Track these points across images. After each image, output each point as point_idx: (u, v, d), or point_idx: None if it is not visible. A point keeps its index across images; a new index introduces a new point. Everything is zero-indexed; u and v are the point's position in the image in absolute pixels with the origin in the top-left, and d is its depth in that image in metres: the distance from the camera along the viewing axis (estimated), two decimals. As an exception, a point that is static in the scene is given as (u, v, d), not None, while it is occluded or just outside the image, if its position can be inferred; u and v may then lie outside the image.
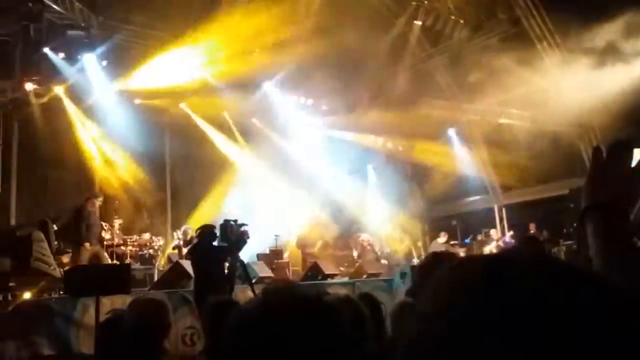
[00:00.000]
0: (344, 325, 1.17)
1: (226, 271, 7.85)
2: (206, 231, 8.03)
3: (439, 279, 0.59)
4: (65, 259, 10.65)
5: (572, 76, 14.98)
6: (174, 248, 12.67)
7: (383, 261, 14.64)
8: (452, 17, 14.78)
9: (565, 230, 15.47)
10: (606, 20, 12.94)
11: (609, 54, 13.49)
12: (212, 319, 3.27)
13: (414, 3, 14.80)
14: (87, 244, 10.74)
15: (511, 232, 16.17)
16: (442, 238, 15.68)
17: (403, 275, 11.10)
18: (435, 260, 2.70)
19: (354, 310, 2.47)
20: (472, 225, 17.40)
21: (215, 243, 7.85)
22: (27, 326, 7.05)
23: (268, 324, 1.09)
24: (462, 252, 15.28)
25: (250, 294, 7.63)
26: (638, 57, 13.32)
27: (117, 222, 12.18)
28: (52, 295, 8.61)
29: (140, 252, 11.95)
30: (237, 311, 1.17)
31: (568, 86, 15.16)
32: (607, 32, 13.12)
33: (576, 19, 13.74)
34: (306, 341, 1.07)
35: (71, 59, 13.09)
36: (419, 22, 15.22)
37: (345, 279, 12.16)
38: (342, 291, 9.77)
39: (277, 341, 1.05)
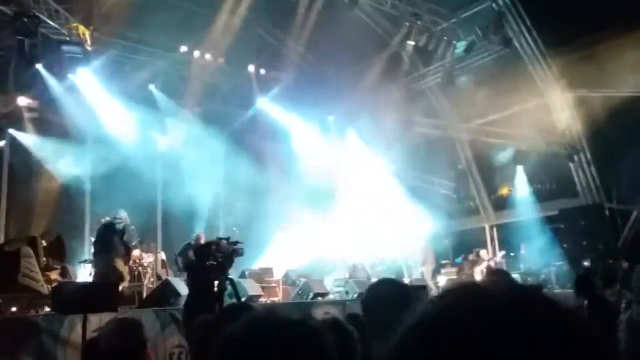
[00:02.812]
0: (328, 350, 1.17)
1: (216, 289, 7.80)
2: (199, 249, 8.01)
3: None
4: (54, 275, 10.54)
5: (563, 97, 15.13)
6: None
7: (374, 280, 14.58)
8: (445, 38, 14.93)
9: (555, 251, 15.49)
10: (597, 42, 13.10)
11: (599, 74, 13.63)
12: (196, 338, 3.26)
13: (407, 23, 14.94)
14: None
15: (502, 252, 16.19)
16: None
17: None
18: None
19: (341, 333, 2.46)
20: (463, 244, 17.40)
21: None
22: (13, 343, 6.96)
23: (252, 349, 1.09)
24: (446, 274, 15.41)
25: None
26: (627, 79, 13.46)
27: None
28: (39, 312, 8.51)
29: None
30: (221, 336, 1.17)
31: (559, 107, 15.32)
32: (598, 53, 13.27)
33: (568, 40, 13.92)
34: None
35: (65, 74, 13.13)
36: (412, 42, 15.36)
37: (336, 298, 12.13)
38: (332, 310, 9.72)
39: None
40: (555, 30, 14.33)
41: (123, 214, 11.03)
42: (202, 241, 11.79)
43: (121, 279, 10.12)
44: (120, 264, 10.34)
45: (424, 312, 0.64)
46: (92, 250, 11.28)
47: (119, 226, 10.58)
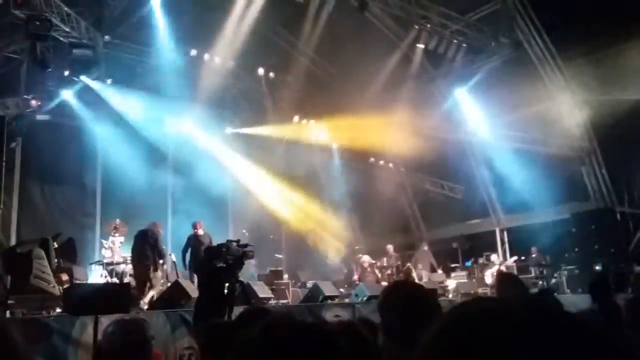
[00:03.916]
0: (343, 354, 1.17)
1: (226, 292, 7.81)
2: (210, 251, 8.04)
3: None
4: (65, 276, 10.61)
5: (574, 99, 15.05)
6: None
7: (383, 283, 14.57)
8: (455, 41, 14.89)
9: (566, 255, 15.41)
10: (609, 45, 13.03)
11: (610, 77, 13.56)
12: (206, 342, 3.27)
13: (417, 26, 14.91)
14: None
15: (514, 258, 16.15)
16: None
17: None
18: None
19: (356, 337, 2.46)
20: (473, 248, 17.34)
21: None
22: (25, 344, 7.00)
23: (268, 353, 1.10)
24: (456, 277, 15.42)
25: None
26: (637, 80, 13.37)
27: (117, 240, 12.18)
28: (51, 313, 8.56)
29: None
30: (238, 339, 1.18)
31: (569, 109, 15.23)
32: (609, 56, 13.20)
33: (578, 43, 13.85)
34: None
35: (76, 76, 13.23)
36: (421, 45, 15.33)
37: (345, 301, 12.11)
38: (342, 313, 9.71)
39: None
40: (566, 33, 14.26)
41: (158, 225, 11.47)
42: (201, 230, 11.91)
43: (151, 286, 10.43)
44: (151, 272, 10.63)
45: (445, 324, 0.68)
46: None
47: (152, 235, 10.91)
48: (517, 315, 0.65)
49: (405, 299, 2.39)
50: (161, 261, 11.37)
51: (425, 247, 16.28)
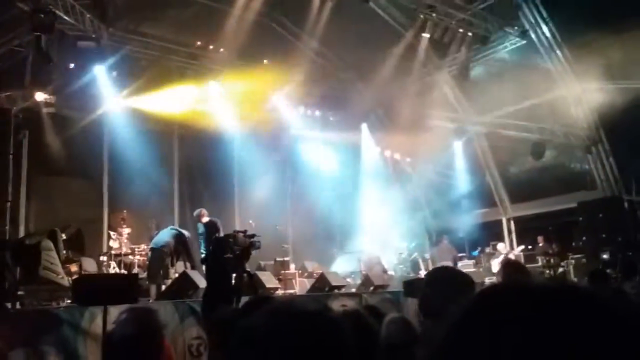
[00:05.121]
0: (346, 341, 1.18)
1: (233, 282, 7.86)
2: (217, 242, 8.09)
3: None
4: (74, 267, 10.69)
5: (581, 88, 14.96)
6: None
7: (390, 273, 14.60)
8: (460, 30, 14.79)
9: (574, 244, 15.38)
10: (615, 33, 12.92)
11: (617, 65, 13.46)
12: (216, 330, 3.29)
13: (422, 16, 14.81)
14: None
15: (522, 247, 16.13)
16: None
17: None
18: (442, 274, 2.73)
19: (362, 325, 2.48)
20: (480, 237, 17.33)
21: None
22: (34, 334, 7.08)
23: (271, 340, 1.11)
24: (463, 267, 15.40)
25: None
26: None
27: (125, 232, 12.25)
28: (60, 304, 8.65)
29: (147, 262, 11.99)
30: (241, 327, 1.19)
31: (576, 98, 15.15)
32: (616, 44, 13.09)
33: (584, 31, 13.74)
34: (309, 357, 1.09)
35: (81, 69, 13.27)
36: (427, 35, 15.23)
37: (352, 291, 12.16)
38: (349, 303, 9.75)
39: (281, 357, 1.07)
40: (573, 22, 14.14)
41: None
42: (205, 218, 11.99)
43: (166, 276, 10.86)
44: (168, 261, 11.12)
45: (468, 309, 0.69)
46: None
47: (185, 238, 11.43)
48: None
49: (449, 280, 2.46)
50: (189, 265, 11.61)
51: (446, 241, 16.30)
